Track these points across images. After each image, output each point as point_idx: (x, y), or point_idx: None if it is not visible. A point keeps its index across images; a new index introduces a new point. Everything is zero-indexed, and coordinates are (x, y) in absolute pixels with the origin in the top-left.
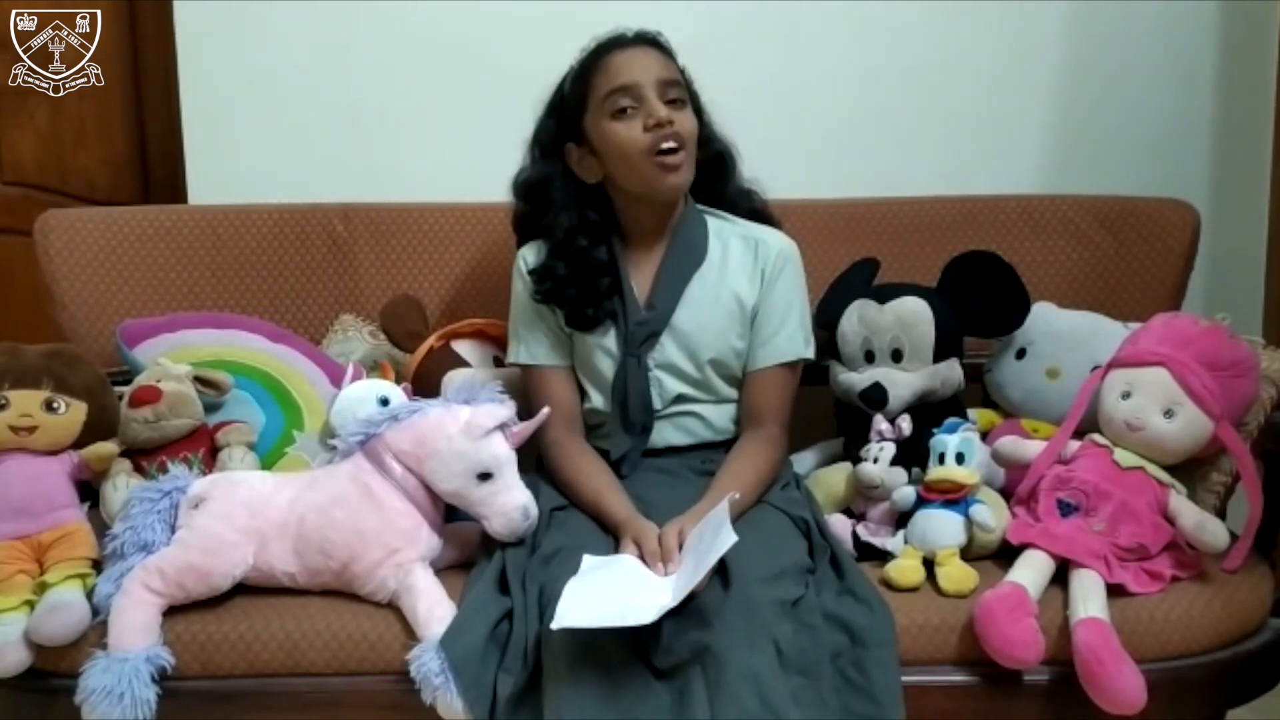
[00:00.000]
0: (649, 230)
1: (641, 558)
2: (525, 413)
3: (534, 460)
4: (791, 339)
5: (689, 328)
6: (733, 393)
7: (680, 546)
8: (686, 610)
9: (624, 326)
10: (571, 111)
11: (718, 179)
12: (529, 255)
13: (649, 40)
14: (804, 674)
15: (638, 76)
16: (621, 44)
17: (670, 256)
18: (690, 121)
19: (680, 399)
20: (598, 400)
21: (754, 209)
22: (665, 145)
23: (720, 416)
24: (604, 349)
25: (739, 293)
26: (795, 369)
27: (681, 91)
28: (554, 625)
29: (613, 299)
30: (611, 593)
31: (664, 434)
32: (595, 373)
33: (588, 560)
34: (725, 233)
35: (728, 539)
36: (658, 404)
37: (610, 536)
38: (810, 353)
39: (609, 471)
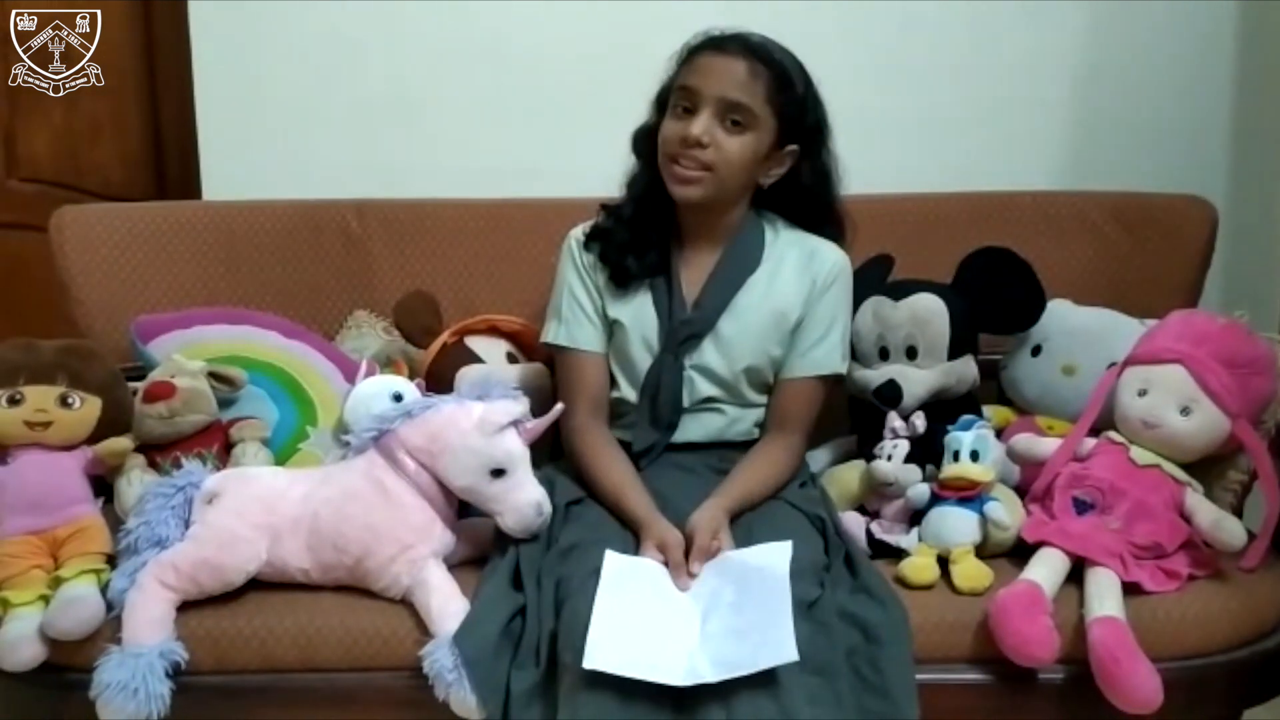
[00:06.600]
0: (703, 232)
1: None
2: (549, 401)
3: (548, 455)
4: (830, 354)
5: (731, 335)
6: (759, 398)
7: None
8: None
9: (667, 322)
10: (665, 87)
11: (808, 211)
12: (578, 232)
13: (746, 51)
14: (820, 673)
15: (704, 86)
16: (717, 46)
17: (724, 263)
18: (734, 149)
19: (708, 400)
20: (627, 392)
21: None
22: (682, 163)
23: (743, 418)
24: (643, 341)
25: (785, 302)
26: (827, 383)
27: (749, 117)
28: (585, 665)
29: (658, 276)
30: (640, 625)
31: (685, 430)
32: (630, 364)
33: (610, 560)
34: (782, 241)
35: (787, 653)
36: (685, 402)
37: (628, 532)
38: (844, 369)
39: (631, 466)
